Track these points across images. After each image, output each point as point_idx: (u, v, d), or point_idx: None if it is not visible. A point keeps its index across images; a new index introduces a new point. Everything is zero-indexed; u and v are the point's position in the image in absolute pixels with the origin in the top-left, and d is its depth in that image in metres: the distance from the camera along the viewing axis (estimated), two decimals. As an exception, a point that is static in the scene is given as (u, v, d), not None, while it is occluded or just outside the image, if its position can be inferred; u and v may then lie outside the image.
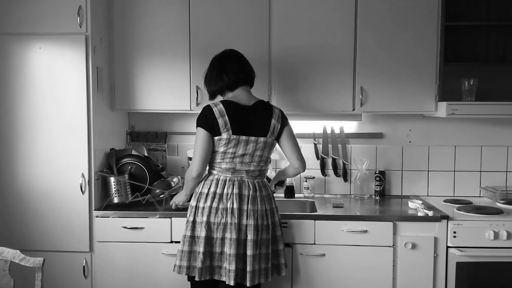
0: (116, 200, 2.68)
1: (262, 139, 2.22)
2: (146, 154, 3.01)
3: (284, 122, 2.30)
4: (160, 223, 2.57)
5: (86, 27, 2.54)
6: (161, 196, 2.73)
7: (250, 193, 2.20)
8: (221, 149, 2.21)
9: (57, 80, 2.56)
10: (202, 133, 2.20)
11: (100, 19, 2.68)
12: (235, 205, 2.17)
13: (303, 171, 2.37)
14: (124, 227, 2.57)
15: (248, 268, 2.15)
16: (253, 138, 2.20)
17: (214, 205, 2.18)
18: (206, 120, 2.19)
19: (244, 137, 2.19)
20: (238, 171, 2.22)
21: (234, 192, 2.19)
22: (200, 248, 2.18)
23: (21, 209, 2.62)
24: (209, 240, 2.18)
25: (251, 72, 2.33)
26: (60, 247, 2.62)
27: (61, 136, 2.57)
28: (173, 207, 2.46)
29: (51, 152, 2.58)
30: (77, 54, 2.54)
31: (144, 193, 2.73)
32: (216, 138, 2.20)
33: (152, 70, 2.80)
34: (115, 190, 2.68)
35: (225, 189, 2.20)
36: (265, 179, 2.34)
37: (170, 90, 2.80)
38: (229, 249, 2.15)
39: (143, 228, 2.57)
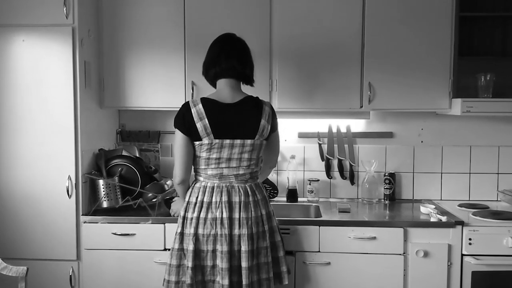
0: (105, 204, 2.68)
1: (249, 141, 2.15)
2: (137, 155, 3.01)
3: (273, 124, 2.24)
4: (152, 229, 2.57)
5: (73, 18, 2.54)
6: (153, 200, 2.73)
7: (241, 199, 2.15)
8: (204, 154, 2.15)
9: (41, 75, 2.56)
10: (180, 136, 2.15)
11: (88, 9, 2.68)
12: (224, 214, 2.12)
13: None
14: (114, 234, 2.57)
15: (244, 281, 2.11)
16: (238, 141, 2.14)
17: (202, 215, 2.14)
18: (184, 122, 2.13)
19: (228, 141, 2.13)
20: (226, 177, 2.17)
21: (223, 200, 2.14)
22: (189, 262, 2.14)
23: (2, 214, 2.62)
24: (198, 253, 2.14)
25: (245, 66, 2.21)
26: (45, 255, 2.62)
27: (46, 135, 2.58)
28: (176, 216, 2.42)
29: (35, 152, 2.58)
30: (63, 47, 2.54)
31: (136, 197, 2.73)
32: (196, 143, 2.14)
33: (144, 64, 2.81)
34: (104, 194, 2.68)
35: (213, 197, 2.15)
36: (259, 181, 2.29)
37: (163, 86, 2.80)
38: (221, 263, 2.11)
39: (134, 234, 2.57)
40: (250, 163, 2.19)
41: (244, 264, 2.11)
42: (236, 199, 2.15)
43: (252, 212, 2.16)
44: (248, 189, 2.19)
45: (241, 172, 2.18)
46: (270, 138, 2.27)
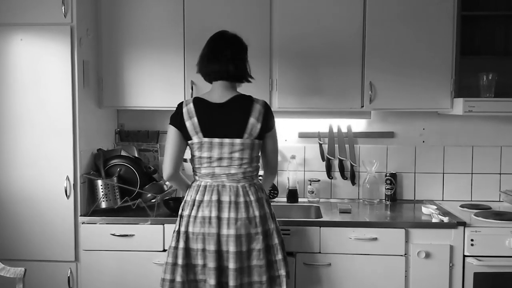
0: (103, 205, 2.68)
1: (238, 141, 2.14)
2: (136, 155, 3.01)
3: (268, 123, 2.19)
4: (151, 230, 2.57)
5: (71, 17, 2.54)
6: (152, 200, 2.73)
7: (232, 199, 2.14)
8: (196, 153, 2.18)
9: (39, 75, 2.56)
10: (172, 131, 2.20)
11: (86, 8, 2.68)
12: (213, 214, 2.12)
13: (272, 181, 2.51)
14: (113, 235, 2.57)
15: (231, 283, 2.09)
16: (227, 140, 2.14)
17: (193, 213, 2.15)
18: (177, 120, 2.19)
19: (217, 140, 2.14)
20: (218, 176, 2.17)
21: (213, 198, 2.14)
22: (179, 260, 2.15)
23: (0, 215, 2.61)
24: (188, 251, 2.15)
25: (228, 66, 2.16)
26: (43, 256, 2.62)
27: (44, 135, 2.58)
28: None
29: (33, 153, 2.58)
30: (62, 46, 2.54)
31: (135, 198, 2.73)
32: (189, 142, 2.19)
33: (143, 63, 2.81)
34: (102, 194, 2.68)
35: (205, 196, 2.16)
36: (255, 182, 2.24)
37: (162, 86, 2.80)
38: (209, 262, 2.11)
39: (133, 235, 2.57)
40: (241, 162, 2.17)
41: (231, 265, 2.10)
42: (225, 198, 2.15)
43: (243, 213, 2.13)
44: (240, 189, 2.16)
45: (232, 171, 2.17)
46: (266, 138, 2.24)
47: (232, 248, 2.10)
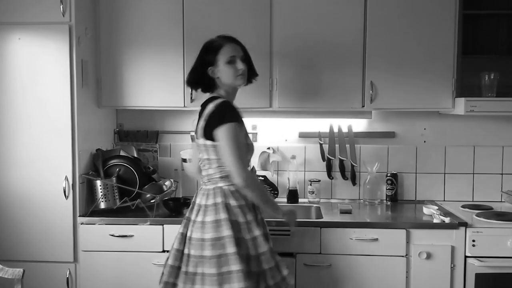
0: (102, 205, 2.68)
1: (199, 141, 2.16)
2: (135, 155, 3.01)
3: (211, 122, 2.07)
4: (151, 230, 2.57)
5: (70, 16, 2.54)
6: (152, 201, 2.73)
7: (197, 201, 2.17)
8: None
9: (38, 74, 2.56)
10: None
11: (85, 7, 2.68)
12: (187, 215, 2.19)
13: (246, 188, 2.06)
14: (112, 235, 2.57)
15: (179, 285, 2.10)
16: (196, 142, 2.21)
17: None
18: None
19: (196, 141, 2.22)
20: (201, 178, 2.23)
21: (193, 200, 2.22)
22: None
23: (-2, 215, 2.62)
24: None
25: (192, 80, 2.24)
26: (41, 257, 2.62)
27: (42, 135, 2.58)
28: None
29: (32, 153, 2.58)
30: (60, 46, 2.54)
31: (134, 198, 2.73)
32: None
33: (142, 63, 2.80)
34: (101, 195, 2.68)
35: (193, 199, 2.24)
36: (221, 185, 2.11)
37: (162, 85, 2.80)
38: (169, 259, 2.15)
39: (132, 236, 2.57)
40: (204, 163, 2.18)
41: (183, 268, 2.11)
42: (196, 200, 2.18)
43: (199, 216, 2.11)
44: (204, 193, 2.15)
45: (203, 173, 2.20)
46: (217, 135, 2.07)
47: (185, 250, 2.12)
